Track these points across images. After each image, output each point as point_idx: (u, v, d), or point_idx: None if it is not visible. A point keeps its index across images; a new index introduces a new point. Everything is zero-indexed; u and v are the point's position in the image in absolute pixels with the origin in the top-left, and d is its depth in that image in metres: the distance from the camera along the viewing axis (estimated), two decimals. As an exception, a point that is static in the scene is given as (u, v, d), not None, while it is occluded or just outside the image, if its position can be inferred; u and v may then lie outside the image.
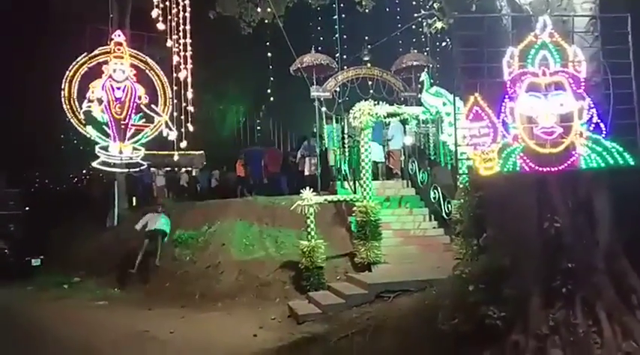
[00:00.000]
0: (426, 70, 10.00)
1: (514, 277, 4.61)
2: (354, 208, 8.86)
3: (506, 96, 4.73)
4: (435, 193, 9.31)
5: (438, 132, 9.63)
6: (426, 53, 12.18)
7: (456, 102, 7.93)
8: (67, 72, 13.95)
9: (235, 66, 19.30)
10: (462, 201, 6.90)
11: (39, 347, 6.39)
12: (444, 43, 10.89)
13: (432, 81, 9.31)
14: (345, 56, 12.97)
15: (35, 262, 13.19)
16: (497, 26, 5.62)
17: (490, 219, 5.26)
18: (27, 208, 18.27)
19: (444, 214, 8.97)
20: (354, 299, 7.20)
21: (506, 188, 4.85)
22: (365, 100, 9.17)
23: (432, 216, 9.75)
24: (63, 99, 13.97)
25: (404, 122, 10.41)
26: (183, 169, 18.44)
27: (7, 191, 18.11)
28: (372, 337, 5.87)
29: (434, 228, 9.58)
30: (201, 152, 19.55)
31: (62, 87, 13.93)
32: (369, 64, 11.97)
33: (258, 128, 22.07)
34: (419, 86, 10.64)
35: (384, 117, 8.99)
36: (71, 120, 14.23)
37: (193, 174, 18.59)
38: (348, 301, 7.20)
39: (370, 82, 11.47)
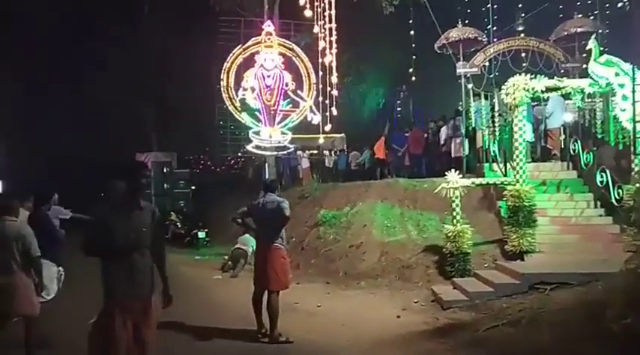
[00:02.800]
0: (594, 36, 8.75)
1: None
2: (505, 192, 8.25)
3: None
4: (602, 177, 8.19)
5: (607, 107, 8.43)
6: (593, 17, 10.70)
7: (635, 72, 6.89)
8: (225, 63, 15.34)
9: (376, 47, 19.26)
10: (638, 185, 6.02)
11: (203, 308, 7.21)
12: (618, 4, 9.38)
13: (601, 49, 8.16)
14: (495, 27, 12.02)
15: (201, 235, 14.87)
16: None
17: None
18: (193, 187, 20.72)
19: (613, 200, 7.87)
20: (504, 289, 6.76)
21: None
22: (518, 74, 8.42)
23: (598, 203, 8.63)
24: (222, 89, 15.43)
25: (566, 97, 9.33)
26: (326, 152, 19.13)
27: (178, 172, 20.74)
28: (526, 329, 5.47)
29: (600, 215, 8.48)
30: (342, 135, 20.05)
31: (221, 77, 15.37)
32: (523, 34, 10.96)
33: (399, 109, 21.86)
34: (584, 55, 9.44)
35: (542, 92, 8.14)
36: (229, 107, 15.69)
37: (333, 156, 19.19)
38: (497, 290, 6.79)
39: (524, 54, 10.51)
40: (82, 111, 22.14)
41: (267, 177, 16.46)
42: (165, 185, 19.89)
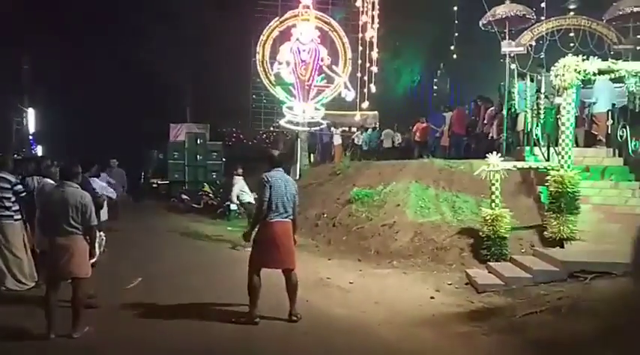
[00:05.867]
0: (652, 16, 8.31)
1: None
2: (547, 177, 8.02)
3: None
4: (651, 165, 7.88)
5: (661, 92, 8.02)
6: (650, -4, 10.11)
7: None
8: (261, 36, 15.25)
9: (413, 22, 18.77)
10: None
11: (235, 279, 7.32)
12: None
13: (659, 29, 7.72)
14: (543, 4, 11.48)
15: (233, 206, 15.04)
16: None
17: None
18: (224, 159, 20.90)
19: (661, 190, 7.56)
20: (542, 276, 6.62)
21: None
22: (568, 55, 8.06)
23: (644, 192, 8.33)
24: (257, 62, 15.38)
25: (616, 80, 8.92)
26: (354, 129, 18.91)
27: (211, 143, 20.94)
28: (566, 317, 5.35)
29: (645, 205, 8.19)
30: (375, 112, 19.79)
31: (257, 50, 15.31)
32: (573, 13, 10.46)
33: (434, 88, 21.38)
34: (638, 37, 8.97)
35: (594, 75, 7.78)
36: (263, 81, 15.66)
37: (359, 134, 18.95)
38: (534, 276, 6.66)
39: (573, 34, 10.05)
40: (119, 83, 22.51)
41: (298, 152, 16.48)
42: (198, 156, 20.15)
